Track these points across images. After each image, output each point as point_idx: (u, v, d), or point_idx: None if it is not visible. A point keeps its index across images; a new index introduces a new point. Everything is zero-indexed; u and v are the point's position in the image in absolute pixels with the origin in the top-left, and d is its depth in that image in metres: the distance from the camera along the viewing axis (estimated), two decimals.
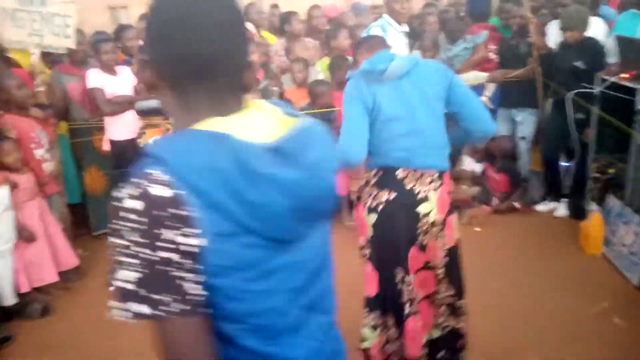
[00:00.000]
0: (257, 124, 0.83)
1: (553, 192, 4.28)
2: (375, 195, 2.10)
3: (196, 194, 0.73)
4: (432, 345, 2.24)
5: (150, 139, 4.11)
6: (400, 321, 2.19)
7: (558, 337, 2.68)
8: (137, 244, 0.73)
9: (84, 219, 4.41)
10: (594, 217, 3.50)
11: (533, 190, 4.46)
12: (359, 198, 2.21)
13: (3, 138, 3.17)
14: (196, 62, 0.78)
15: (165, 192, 0.73)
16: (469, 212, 4.26)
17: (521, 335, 2.71)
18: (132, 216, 0.73)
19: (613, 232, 3.38)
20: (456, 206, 4.34)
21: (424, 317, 2.19)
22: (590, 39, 3.72)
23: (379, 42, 2.32)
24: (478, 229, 4.09)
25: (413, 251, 2.10)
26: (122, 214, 0.74)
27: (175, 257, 0.73)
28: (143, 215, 0.73)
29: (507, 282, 3.25)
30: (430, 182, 2.06)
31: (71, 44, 3.93)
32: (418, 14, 4.75)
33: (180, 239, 0.73)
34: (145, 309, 0.73)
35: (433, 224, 2.09)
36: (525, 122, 4.31)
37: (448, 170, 2.15)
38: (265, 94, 4.23)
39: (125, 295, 0.74)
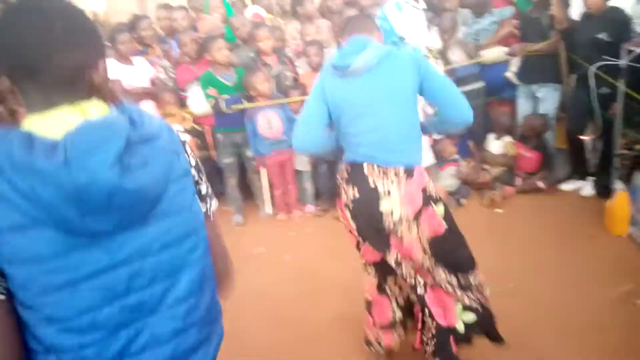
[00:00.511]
0: (65, 121, 0.88)
1: (579, 170, 4.14)
2: (346, 192, 2.11)
3: None
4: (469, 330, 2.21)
5: None
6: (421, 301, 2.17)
7: (578, 320, 2.62)
8: None
9: None
10: (620, 196, 3.37)
11: (558, 168, 4.33)
12: (338, 193, 2.20)
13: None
14: (19, 65, 0.88)
15: None
16: (490, 194, 4.19)
17: (541, 318, 2.65)
18: None
19: None
20: (477, 188, 4.31)
21: (436, 303, 2.17)
22: (614, 8, 3.52)
23: (359, 25, 2.23)
24: (500, 211, 4.02)
25: (393, 240, 2.08)
26: None
27: None
28: None
29: (528, 264, 3.18)
30: (394, 179, 2.02)
31: None
32: None
33: None
34: None
35: (400, 221, 2.04)
36: (547, 98, 4.16)
37: (419, 164, 2.10)
38: (279, 80, 4.23)
39: None
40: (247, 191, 4.57)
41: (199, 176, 1.09)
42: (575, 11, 3.87)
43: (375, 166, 2.02)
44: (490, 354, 2.30)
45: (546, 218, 3.78)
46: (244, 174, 4.50)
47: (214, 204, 1.15)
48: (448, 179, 4.29)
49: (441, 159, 4.34)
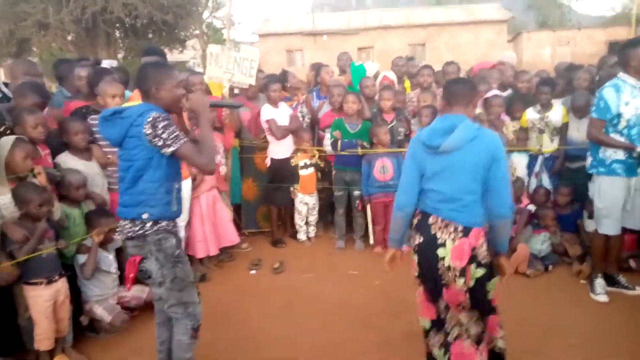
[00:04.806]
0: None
1: None
2: (414, 238, 2.56)
3: None
4: None
5: (300, 160, 5.10)
6: (447, 345, 2.56)
7: None
8: None
9: (240, 218, 5.54)
10: None
11: None
12: (410, 238, 2.64)
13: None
14: None
15: None
16: (579, 265, 4.37)
17: None
18: None
19: None
20: (568, 260, 4.48)
21: (459, 355, 2.50)
22: None
23: (454, 102, 2.50)
24: (584, 282, 4.17)
25: (445, 292, 2.47)
26: None
27: None
28: None
29: (598, 327, 3.39)
30: (452, 232, 2.41)
31: (252, 81, 5.11)
32: None
33: None
34: None
35: (449, 268, 2.41)
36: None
37: (478, 226, 2.41)
38: (393, 132, 4.97)
39: None
40: (350, 225, 5.27)
41: (154, 136, 2.28)
42: None
43: (439, 219, 2.44)
44: None
45: (628, 296, 3.85)
46: (350, 209, 5.21)
47: (177, 145, 2.32)
48: (539, 244, 4.58)
49: (538, 225, 4.66)
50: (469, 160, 2.39)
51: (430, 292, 2.58)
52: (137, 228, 2.39)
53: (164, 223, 2.44)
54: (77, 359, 3.16)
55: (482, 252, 2.45)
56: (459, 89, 2.53)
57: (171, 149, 2.32)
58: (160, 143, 2.30)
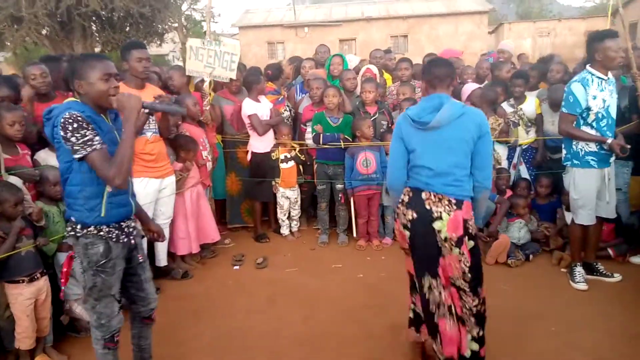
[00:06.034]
0: None
1: None
2: (405, 215, 2.60)
3: None
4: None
5: (280, 154, 5.08)
6: (432, 327, 2.61)
7: None
8: None
9: (221, 214, 5.50)
10: None
11: (631, 241, 4.47)
12: (397, 214, 2.71)
13: (190, 139, 4.33)
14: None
15: None
16: (560, 254, 4.45)
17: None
18: None
19: None
20: (549, 248, 4.57)
21: (453, 334, 2.57)
22: None
23: (438, 82, 2.59)
24: (564, 270, 4.26)
25: (442, 261, 2.53)
26: None
27: None
28: None
29: (575, 315, 3.46)
30: (446, 205, 2.48)
31: (233, 75, 5.05)
32: None
33: None
34: None
35: (445, 240, 2.48)
36: (618, 174, 4.22)
37: (468, 200, 2.52)
38: (375, 124, 4.97)
39: None
40: (333, 219, 5.29)
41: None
42: None
43: (432, 194, 2.53)
44: None
45: (609, 286, 3.93)
46: (333, 203, 5.21)
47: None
48: (516, 232, 4.64)
49: (511, 213, 4.73)
50: (458, 135, 2.48)
51: (419, 265, 2.62)
52: (70, 229, 2.33)
53: (92, 227, 2.30)
54: (58, 358, 3.12)
55: (472, 225, 2.56)
56: (441, 71, 2.62)
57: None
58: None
